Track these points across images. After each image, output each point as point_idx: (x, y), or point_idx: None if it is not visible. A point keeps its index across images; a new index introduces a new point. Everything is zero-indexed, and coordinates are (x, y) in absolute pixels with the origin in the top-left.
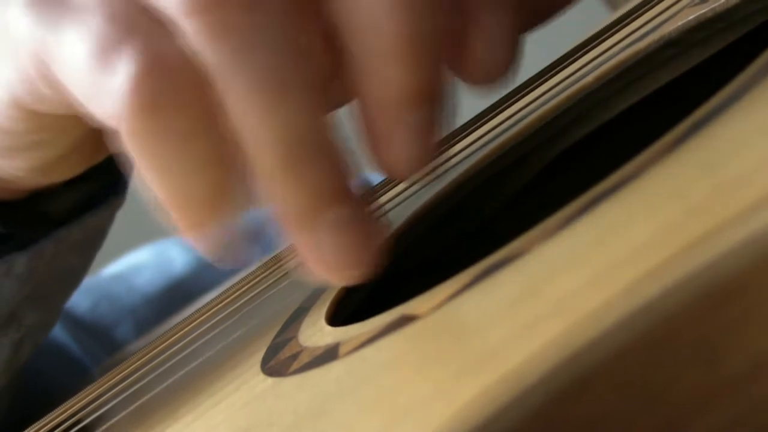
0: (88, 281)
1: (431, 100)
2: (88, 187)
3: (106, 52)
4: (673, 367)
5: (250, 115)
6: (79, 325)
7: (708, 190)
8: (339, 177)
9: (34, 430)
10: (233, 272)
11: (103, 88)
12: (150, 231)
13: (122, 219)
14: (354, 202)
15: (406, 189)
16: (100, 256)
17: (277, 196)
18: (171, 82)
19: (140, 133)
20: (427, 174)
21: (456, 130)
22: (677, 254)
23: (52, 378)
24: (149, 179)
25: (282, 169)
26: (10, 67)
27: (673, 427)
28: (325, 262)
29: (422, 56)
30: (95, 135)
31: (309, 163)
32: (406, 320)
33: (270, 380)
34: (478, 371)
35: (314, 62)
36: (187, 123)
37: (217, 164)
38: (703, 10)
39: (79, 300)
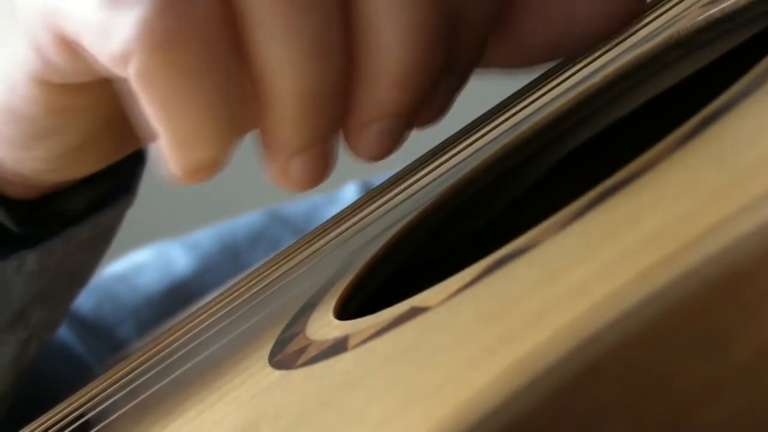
0: (90, 281)
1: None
2: (101, 186)
3: None
4: (683, 356)
5: (281, 69)
6: (83, 323)
7: (719, 182)
8: (337, 120)
9: (37, 425)
10: (235, 274)
11: (114, 26)
12: (151, 231)
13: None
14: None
15: (411, 186)
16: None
17: (278, 131)
18: (187, 19)
19: (151, 69)
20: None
21: (465, 126)
22: (688, 243)
23: (55, 375)
24: (155, 118)
25: (299, 116)
26: (23, 45)
27: (682, 415)
28: (288, 177)
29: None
30: (112, 130)
31: (323, 115)
32: (416, 312)
33: (277, 373)
34: (488, 360)
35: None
36: (200, 61)
37: (224, 103)
38: (712, 11)
39: (82, 299)
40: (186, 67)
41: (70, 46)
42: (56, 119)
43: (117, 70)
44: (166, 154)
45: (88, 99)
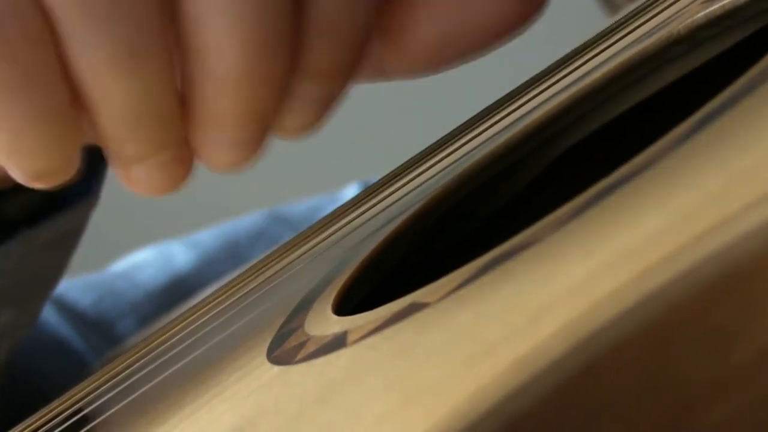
0: (92, 278)
1: (257, 120)
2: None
3: None
4: (684, 355)
5: (101, 80)
6: (82, 319)
7: (721, 180)
8: (174, 129)
9: (34, 420)
10: (235, 269)
11: None
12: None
13: (125, 220)
14: (177, 146)
15: (410, 182)
16: (103, 255)
17: (106, 144)
18: (1, 31)
19: None
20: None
21: (464, 123)
22: (690, 241)
23: (52, 372)
24: None
25: (123, 131)
26: None
27: (683, 414)
28: (138, 186)
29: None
30: None
31: (152, 124)
32: (416, 308)
33: (276, 369)
34: (488, 358)
35: (165, 36)
36: (12, 79)
37: (46, 118)
38: (712, 8)
39: (83, 295)
40: (5, 81)
41: None
42: None
43: None
44: (8, 167)
45: None
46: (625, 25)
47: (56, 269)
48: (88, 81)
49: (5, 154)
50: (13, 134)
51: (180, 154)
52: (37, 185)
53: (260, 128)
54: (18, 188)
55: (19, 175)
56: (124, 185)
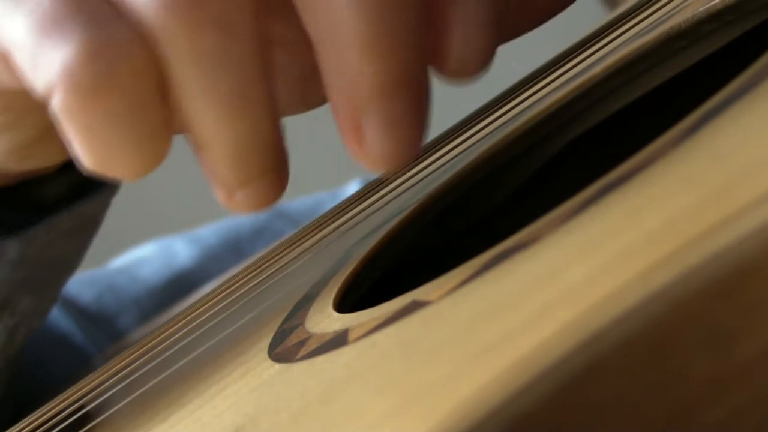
0: (94, 273)
1: (405, 89)
2: (78, 174)
3: (51, 23)
4: (686, 354)
5: (203, 122)
6: (84, 314)
7: (721, 178)
8: (278, 153)
9: (36, 416)
10: (237, 265)
11: (42, 56)
12: (156, 227)
13: (127, 216)
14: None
15: (412, 177)
16: (106, 251)
17: (213, 172)
18: (114, 70)
19: (72, 109)
20: (410, 166)
21: (466, 118)
22: (690, 240)
23: (54, 367)
24: (80, 152)
25: (229, 163)
26: None
27: (685, 413)
28: (239, 207)
29: (391, 45)
30: None
31: (257, 156)
32: (417, 306)
33: (277, 366)
34: (490, 356)
35: (272, 77)
36: (121, 108)
37: (145, 143)
38: (714, 2)
39: (84, 290)
40: (106, 111)
41: (3, 58)
42: (4, 117)
43: (40, 97)
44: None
45: (29, 100)
46: (626, 19)
47: (75, 257)
48: (196, 124)
49: (93, 165)
50: (107, 156)
51: (280, 176)
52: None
53: (412, 96)
54: (54, 174)
55: (99, 172)
56: (224, 206)
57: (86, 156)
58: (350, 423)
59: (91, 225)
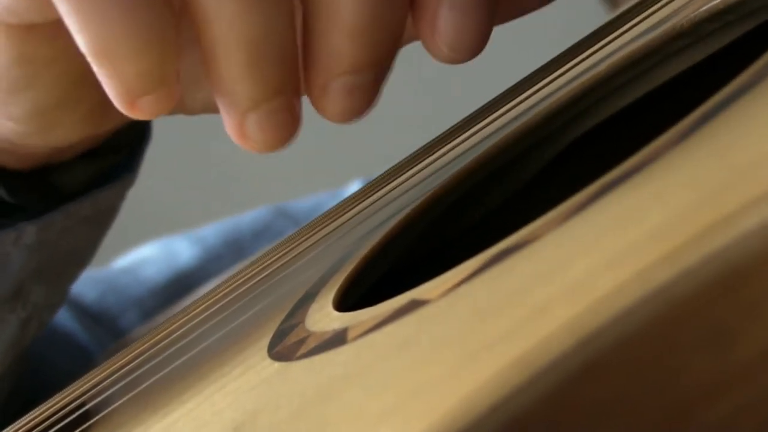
0: (96, 273)
1: (376, 66)
2: (101, 162)
3: None
4: (686, 353)
5: (220, 16)
6: (87, 313)
7: (722, 177)
8: (289, 74)
9: (37, 413)
10: (238, 265)
11: None
12: (158, 227)
13: (130, 216)
14: (290, 93)
15: (412, 177)
16: (108, 251)
17: (225, 84)
18: None
19: None
20: (410, 167)
21: (466, 117)
22: (691, 239)
23: (57, 364)
24: (75, 31)
25: (245, 67)
26: None
27: (684, 412)
28: (247, 137)
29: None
30: (88, 94)
31: (268, 64)
32: (416, 305)
33: (277, 365)
34: (489, 354)
35: None
36: None
37: (146, 11)
38: (715, 1)
39: (87, 290)
40: None
41: None
42: (23, 69)
43: None
44: (102, 80)
45: (50, 49)
46: (628, 19)
47: (88, 250)
48: (211, 19)
49: (100, 54)
50: (109, 27)
51: (291, 103)
52: (135, 113)
53: (378, 76)
54: (77, 161)
55: (116, 89)
56: (238, 143)
57: (88, 42)
58: (349, 421)
59: (108, 215)
